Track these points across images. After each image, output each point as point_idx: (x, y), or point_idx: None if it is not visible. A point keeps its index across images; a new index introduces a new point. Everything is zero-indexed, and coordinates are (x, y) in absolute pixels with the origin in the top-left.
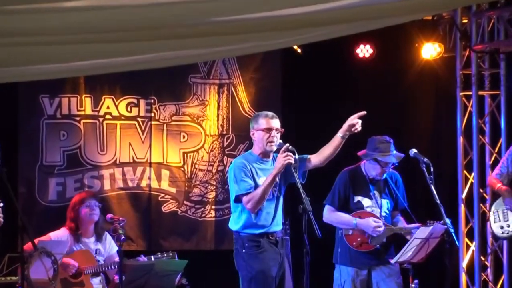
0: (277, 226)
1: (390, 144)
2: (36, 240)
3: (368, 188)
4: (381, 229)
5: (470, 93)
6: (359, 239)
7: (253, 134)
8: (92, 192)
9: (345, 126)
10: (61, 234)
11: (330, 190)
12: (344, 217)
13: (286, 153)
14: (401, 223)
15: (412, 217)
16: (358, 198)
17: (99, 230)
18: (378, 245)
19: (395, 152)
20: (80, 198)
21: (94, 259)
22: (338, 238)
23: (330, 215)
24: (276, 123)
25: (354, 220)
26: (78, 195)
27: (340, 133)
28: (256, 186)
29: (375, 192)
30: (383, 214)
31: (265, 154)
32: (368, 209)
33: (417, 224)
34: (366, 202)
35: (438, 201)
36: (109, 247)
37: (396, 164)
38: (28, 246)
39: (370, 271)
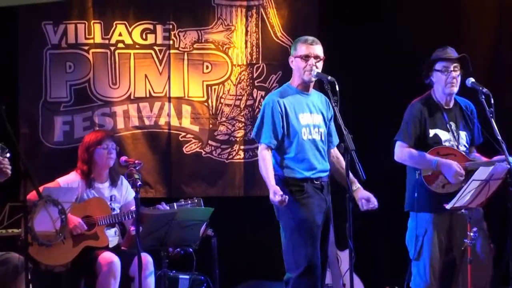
0: (323, 169)
1: (448, 48)
2: (41, 188)
3: (444, 118)
4: (462, 178)
5: None
6: (440, 179)
7: (291, 61)
8: (110, 132)
9: (365, 196)
10: (71, 179)
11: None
12: (421, 155)
13: (281, 197)
14: (480, 159)
15: (501, 148)
16: (434, 131)
17: (113, 174)
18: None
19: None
20: (96, 138)
21: (109, 207)
22: (415, 180)
23: (404, 153)
24: (316, 49)
25: (435, 160)
26: (93, 134)
27: (356, 188)
28: (291, 125)
29: (451, 123)
30: (462, 148)
31: (304, 86)
32: (446, 144)
33: (502, 157)
34: (443, 135)
35: (500, 137)
36: (126, 192)
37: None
38: (32, 195)
39: (452, 216)
